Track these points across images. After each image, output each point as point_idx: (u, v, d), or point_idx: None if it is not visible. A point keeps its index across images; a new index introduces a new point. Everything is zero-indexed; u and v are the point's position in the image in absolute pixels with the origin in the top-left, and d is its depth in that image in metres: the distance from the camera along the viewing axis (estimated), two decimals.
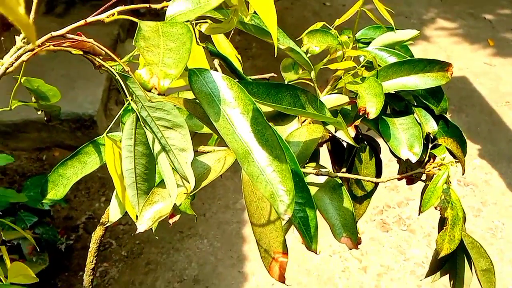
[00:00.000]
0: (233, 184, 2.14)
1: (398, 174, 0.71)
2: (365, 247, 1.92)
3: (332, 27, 0.71)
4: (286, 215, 0.39)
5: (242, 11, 0.44)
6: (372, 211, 2.07)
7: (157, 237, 1.85)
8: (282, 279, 0.53)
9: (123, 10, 0.42)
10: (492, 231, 2.00)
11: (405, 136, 0.66)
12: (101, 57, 0.53)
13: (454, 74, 0.67)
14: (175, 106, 0.49)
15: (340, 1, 3.51)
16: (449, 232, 0.64)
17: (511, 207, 2.11)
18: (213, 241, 1.93)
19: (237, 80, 0.54)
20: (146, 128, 0.52)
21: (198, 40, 0.52)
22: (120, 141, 0.61)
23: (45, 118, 0.75)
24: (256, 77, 0.79)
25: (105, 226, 0.69)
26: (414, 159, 0.65)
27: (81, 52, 0.52)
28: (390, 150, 0.68)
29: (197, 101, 0.44)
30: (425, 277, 0.73)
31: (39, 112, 0.75)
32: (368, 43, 0.74)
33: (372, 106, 0.63)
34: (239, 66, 0.59)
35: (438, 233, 0.65)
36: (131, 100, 0.50)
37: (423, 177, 0.69)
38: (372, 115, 0.62)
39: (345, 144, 0.74)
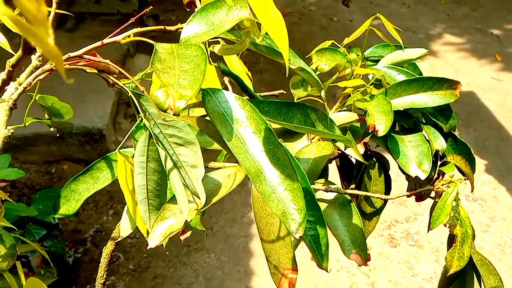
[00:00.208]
0: (240, 198, 2.14)
1: (407, 191, 0.71)
2: (373, 263, 1.92)
3: (342, 45, 0.72)
4: (298, 234, 0.39)
5: (254, 32, 0.45)
6: (380, 226, 2.07)
7: (167, 253, 1.85)
8: None
9: (139, 32, 0.43)
10: (501, 247, 1.99)
11: (414, 154, 0.67)
12: (114, 75, 0.54)
13: (462, 89, 0.68)
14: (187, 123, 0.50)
15: (347, 17, 3.54)
16: (459, 250, 0.64)
17: None
18: (220, 255, 1.93)
19: (248, 98, 0.54)
20: (159, 145, 0.52)
21: (210, 59, 0.53)
22: (132, 157, 0.62)
23: (58, 135, 0.76)
24: (266, 94, 0.80)
25: (116, 241, 0.69)
26: (423, 177, 0.65)
27: (96, 71, 0.53)
28: (399, 167, 0.68)
29: (210, 119, 0.44)
30: None
31: (52, 129, 0.76)
32: (376, 61, 0.75)
33: (381, 123, 0.63)
34: (249, 84, 0.60)
35: (448, 250, 0.65)
36: (144, 117, 0.51)
37: (432, 194, 0.70)
38: (381, 133, 0.63)
39: (354, 160, 0.75)
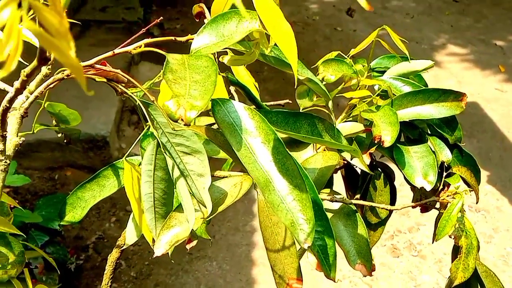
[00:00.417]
0: (243, 206, 2.14)
1: (412, 202, 0.71)
2: (375, 273, 1.90)
3: (348, 56, 0.73)
4: (306, 244, 0.39)
5: (263, 43, 0.45)
6: (382, 236, 2.05)
7: (172, 261, 1.85)
8: None
9: (150, 43, 0.44)
10: (504, 258, 1.98)
11: (419, 165, 0.67)
12: (123, 84, 0.54)
13: None
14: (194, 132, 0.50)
15: (351, 26, 3.55)
16: (463, 261, 0.64)
17: None
18: (222, 263, 1.92)
19: (255, 107, 0.55)
20: (166, 154, 0.53)
21: (218, 69, 0.53)
22: (138, 165, 0.63)
23: (65, 141, 0.77)
24: (271, 103, 0.81)
25: (121, 248, 0.70)
26: (428, 188, 0.65)
27: (105, 80, 0.54)
28: (405, 178, 0.68)
29: (218, 129, 0.45)
30: None
31: (59, 135, 0.76)
32: (382, 72, 0.76)
33: (387, 134, 0.63)
34: (257, 94, 0.60)
35: (452, 261, 0.65)
36: (152, 126, 0.52)
37: (437, 205, 0.70)
38: (387, 144, 0.63)
39: (359, 170, 0.75)
